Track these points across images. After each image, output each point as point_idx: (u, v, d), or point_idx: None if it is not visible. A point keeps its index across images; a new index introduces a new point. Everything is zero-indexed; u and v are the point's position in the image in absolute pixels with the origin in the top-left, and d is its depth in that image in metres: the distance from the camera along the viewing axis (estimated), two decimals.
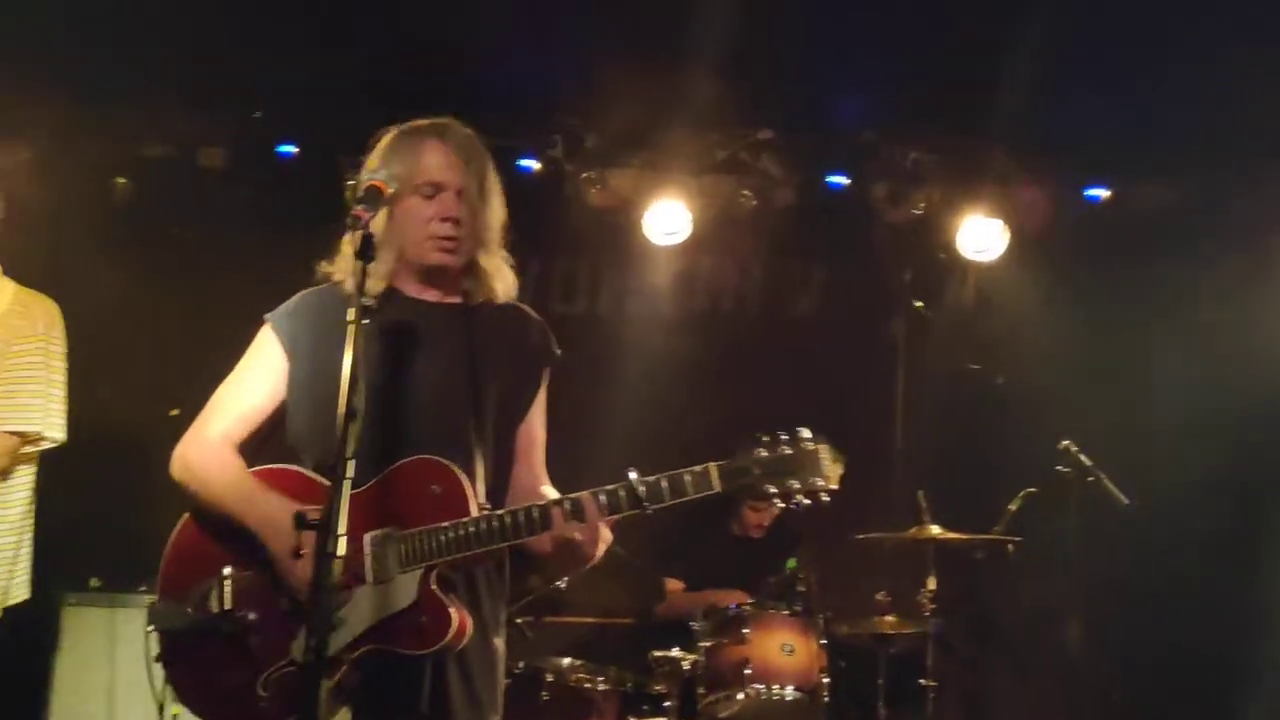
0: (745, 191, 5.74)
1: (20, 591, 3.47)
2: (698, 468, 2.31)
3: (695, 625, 4.68)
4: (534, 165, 5.73)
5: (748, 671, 4.48)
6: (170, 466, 2.51)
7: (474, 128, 2.60)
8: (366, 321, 2.16)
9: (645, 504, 2.30)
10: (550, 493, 2.53)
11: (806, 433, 2.32)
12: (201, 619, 2.41)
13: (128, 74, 4.89)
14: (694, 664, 4.56)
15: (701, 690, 4.60)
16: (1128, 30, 4.57)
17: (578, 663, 4.65)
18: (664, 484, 2.30)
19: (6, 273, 3.47)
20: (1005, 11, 4.49)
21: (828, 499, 2.29)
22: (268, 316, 2.57)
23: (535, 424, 2.62)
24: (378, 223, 2.31)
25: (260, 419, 2.54)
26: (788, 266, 6.21)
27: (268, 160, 5.53)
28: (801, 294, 6.21)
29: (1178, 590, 5.20)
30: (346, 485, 2.08)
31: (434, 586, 2.33)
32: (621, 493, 2.31)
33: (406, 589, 2.32)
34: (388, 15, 4.72)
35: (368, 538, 2.34)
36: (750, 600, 4.83)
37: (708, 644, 4.59)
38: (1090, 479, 4.68)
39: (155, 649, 2.49)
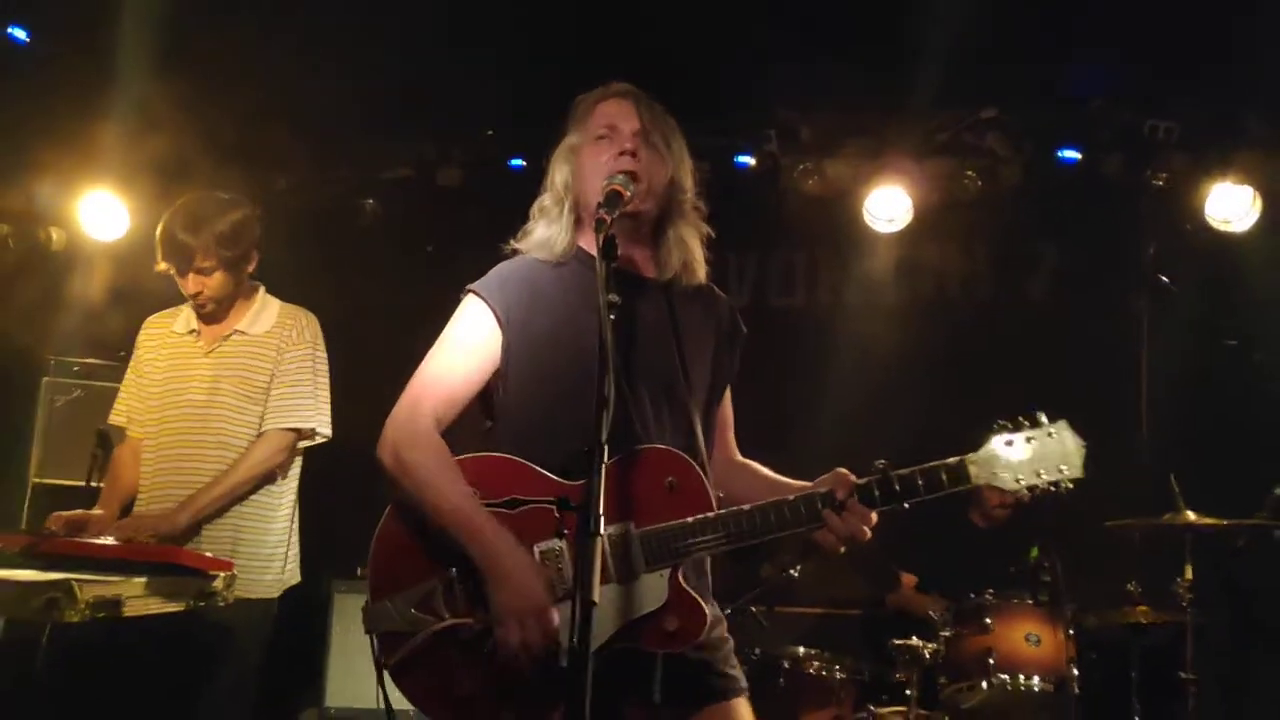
0: (969, 172, 5.59)
1: (294, 575, 3.75)
2: (952, 460, 2.24)
3: (934, 614, 4.61)
4: (750, 161, 5.80)
5: (991, 661, 4.37)
6: (379, 448, 2.35)
7: (691, 128, 2.57)
8: (613, 318, 2.08)
9: (902, 498, 2.22)
10: (772, 475, 2.51)
11: (1045, 418, 2.26)
12: (430, 622, 2.25)
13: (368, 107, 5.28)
14: (934, 653, 4.49)
15: (943, 680, 4.52)
16: None
17: (813, 651, 4.68)
18: (919, 479, 2.22)
19: (269, 291, 3.83)
20: None
21: (1072, 487, 2.24)
22: (474, 286, 2.44)
23: (728, 403, 2.62)
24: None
25: (471, 396, 2.41)
26: (1018, 248, 5.99)
27: (501, 175, 5.82)
28: (1034, 276, 5.98)
29: None
30: (602, 474, 1.98)
31: (684, 584, 2.24)
32: (876, 489, 2.23)
33: (655, 589, 2.21)
34: (603, 24, 4.87)
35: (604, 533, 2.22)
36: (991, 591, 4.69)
37: (948, 633, 4.52)
38: None
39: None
